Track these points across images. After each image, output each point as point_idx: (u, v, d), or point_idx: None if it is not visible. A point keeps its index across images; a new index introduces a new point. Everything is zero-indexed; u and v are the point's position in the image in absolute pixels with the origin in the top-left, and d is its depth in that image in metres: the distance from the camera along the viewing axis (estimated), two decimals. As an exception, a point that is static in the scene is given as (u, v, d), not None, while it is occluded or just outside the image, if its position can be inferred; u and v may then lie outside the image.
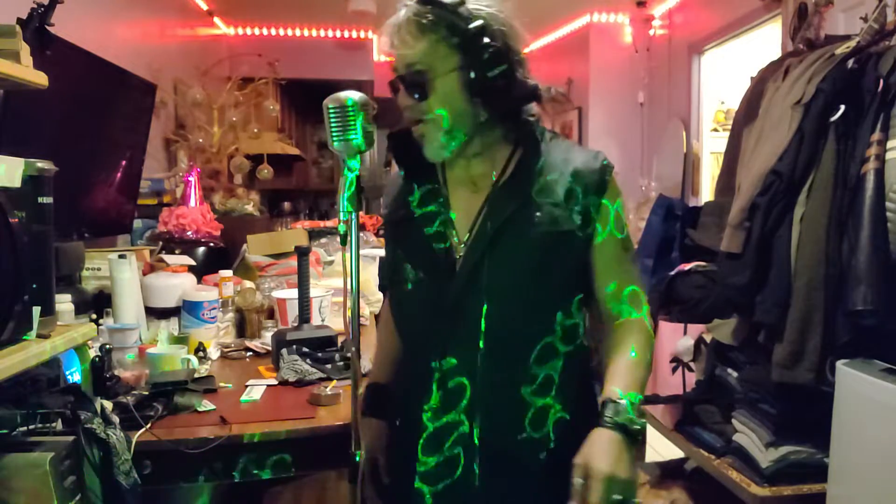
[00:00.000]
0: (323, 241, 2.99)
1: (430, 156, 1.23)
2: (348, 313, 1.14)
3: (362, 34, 5.82)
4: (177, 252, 2.65)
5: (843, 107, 1.75)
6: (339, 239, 1.12)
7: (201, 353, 1.86)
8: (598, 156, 1.25)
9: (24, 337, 1.09)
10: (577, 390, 1.24)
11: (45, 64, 1.34)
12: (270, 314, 2.32)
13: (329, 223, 3.41)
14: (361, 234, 2.65)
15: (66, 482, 1.10)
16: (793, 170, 1.81)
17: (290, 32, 5.73)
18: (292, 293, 2.04)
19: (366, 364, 1.77)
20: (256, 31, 5.63)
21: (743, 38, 3.95)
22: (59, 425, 1.17)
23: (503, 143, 1.25)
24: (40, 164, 1.16)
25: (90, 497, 1.15)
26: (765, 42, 3.72)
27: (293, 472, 1.47)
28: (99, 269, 2.11)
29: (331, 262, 2.82)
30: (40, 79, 1.29)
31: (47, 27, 1.48)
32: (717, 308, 2.15)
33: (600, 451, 1.08)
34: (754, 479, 1.88)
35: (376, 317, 2.50)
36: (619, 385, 1.15)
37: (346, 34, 5.83)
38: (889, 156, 1.60)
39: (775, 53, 3.17)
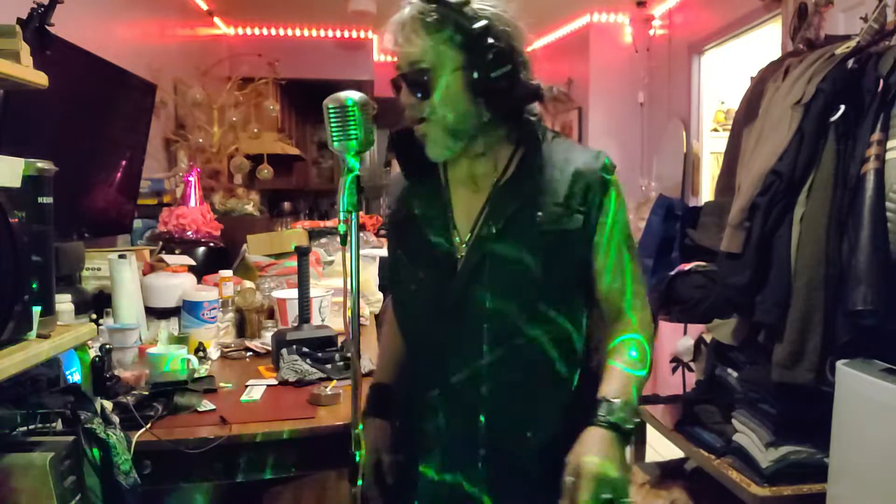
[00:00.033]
0: (323, 241, 2.99)
1: (431, 155, 1.23)
2: (348, 313, 1.14)
3: (362, 34, 5.82)
4: (177, 252, 2.65)
5: (843, 107, 1.75)
6: (339, 239, 1.12)
7: (201, 353, 1.86)
8: (599, 155, 1.25)
9: (24, 337, 1.09)
10: (580, 388, 1.24)
11: (45, 64, 1.33)
12: (270, 314, 2.32)
13: (329, 223, 3.41)
14: (361, 234, 2.65)
15: (66, 482, 1.10)
16: (793, 170, 1.81)
17: (290, 32, 5.73)
18: (292, 293, 2.04)
19: (366, 364, 1.77)
20: (256, 31, 5.63)
21: (743, 38, 3.95)
22: (59, 425, 1.17)
23: (505, 142, 1.25)
24: (40, 164, 1.16)
25: (90, 497, 1.15)
26: (765, 42, 3.71)
27: (293, 472, 1.47)
28: (99, 269, 2.11)
29: (331, 262, 2.82)
30: (40, 79, 1.29)
31: (47, 27, 1.48)
32: (717, 308, 2.15)
33: (591, 449, 1.09)
34: (754, 479, 1.88)
35: (376, 317, 2.50)
36: (614, 385, 1.16)
37: (346, 34, 5.83)
38: (889, 156, 1.60)
39: (775, 53, 3.17)
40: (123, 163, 2.72)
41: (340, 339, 1.89)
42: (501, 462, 1.21)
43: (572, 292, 1.24)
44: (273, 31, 5.68)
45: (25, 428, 1.15)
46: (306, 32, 5.77)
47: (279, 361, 1.76)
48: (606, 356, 1.22)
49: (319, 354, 1.78)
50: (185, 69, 4.07)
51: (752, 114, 2.16)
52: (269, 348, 1.94)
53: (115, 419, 1.29)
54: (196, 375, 1.66)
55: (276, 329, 2.09)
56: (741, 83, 2.64)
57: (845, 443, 1.62)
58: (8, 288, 1.02)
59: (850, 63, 1.78)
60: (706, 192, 4.29)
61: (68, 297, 1.63)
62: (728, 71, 4.24)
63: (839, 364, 1.64)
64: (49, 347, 1.12)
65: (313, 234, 3.04)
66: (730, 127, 2.86)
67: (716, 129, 4.37)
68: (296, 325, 1.92)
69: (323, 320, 2.15)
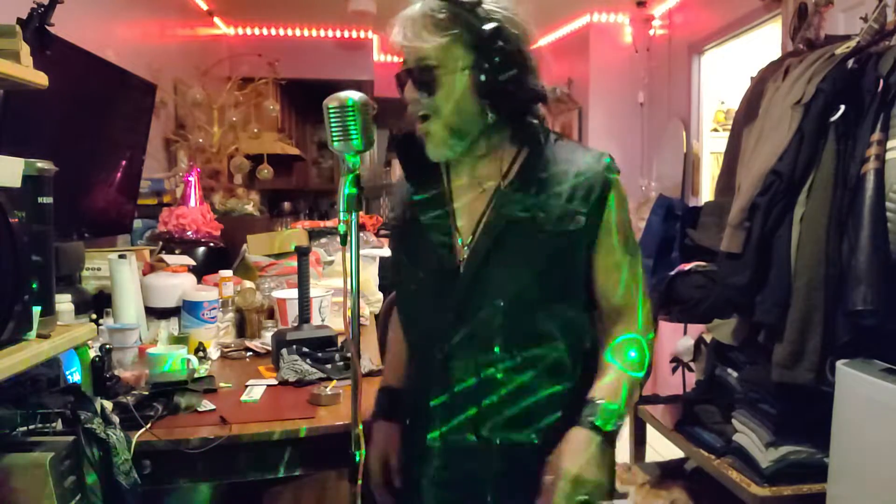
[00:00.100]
0: (323, 241, 2.99)
1: (432, 155, 1.23)
2: (348, 313, 1.14)
3: (362, 34, 5.82)
4: (177, 252, 2.65)
5: (843, 107, 1.75)
6: (339, 239, 1.12)
7: (201, 353, 1.86)
8: (602, 157, 1.24)
9: (24, 337, 1.09)
10: (582, 390, 1.24)
11: (45, 64, 1.33)
12: (270, 314, 2.32)
13: (329, 223, 3.41)
14: (361, 234, 2.65)
15: (66, 482, 1.10)
16: (793, 170, 1.81)
17: (290, 32, 5.73)
18: (292, 293, 2.04)
19: (366, 364, 1.77)
20: (256, 31, 5.63)
21: (743, 38, 3.94)
22: (59, 425, 1.17)
23: (508, 144, 1.25)
24: (40, 164, 1.16)
25: (90, 497, 1.15)
26: (765, 42, 3.71)
27: (293, 472, 1.47)
28: (99, 269, 2.11)
29: (331, 262, 2.82)
30: (40, 79, 1.29)
31: (47, 27, 1.48)
32: (717, 308, 2.15)
33: (572, 450, 1.11)
34: (754, 479, 1.88)
35: (376, 317, 2.50)
36: (605, 387, 1.17)
37: (346, 34, 5.82)
38: (889, 156, 1.60)
39: (775, 53, 3.17)
40: (123, 163, 2.71)
41: (340, 339, 1.89)
42: (504, 462, 1.21)
43: (575, 294, 1.24)
44: (273, 31, 5.68)
45: (25, 428, 1.15)
46: (306, 32, 5.77)
47: (279, 361, 1.76)
48: (605, 354, 1.23)
49: (319, 354, 1.78)
50: (185, 69, 4.07)
51: (752, 114, 2.16)
52: (269, 348, 1.94)
53: (115, 419, 1.29)
54: (196, 375, 1.66)
55: (276, 329, 2.09)
56: (741, 83, 2.64)
57: (845, 443, 1.62)
58: (8, 288, 1.02)
59: (850, 63, 1.78)
60: (706, 192, 4.29)
61: (68, 297, 1.63)
62: (728, 71, 4.23)
63: (839, 364, 1.64)
64: (49, 347, 1.12)
65: (313, 234, 3.04)
66: (730, 127, 2.86)
67: (716, 129, 4.37)
68: (296, 325, 1.92)
69: (323, 320, 2.15)
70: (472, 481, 1.22)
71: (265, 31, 5.65)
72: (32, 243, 1.08)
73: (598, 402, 1.15)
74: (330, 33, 5.81)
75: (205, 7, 4.92)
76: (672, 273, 2.41)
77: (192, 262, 2.46)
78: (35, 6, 1.48)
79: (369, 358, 1.85)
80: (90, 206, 2.50)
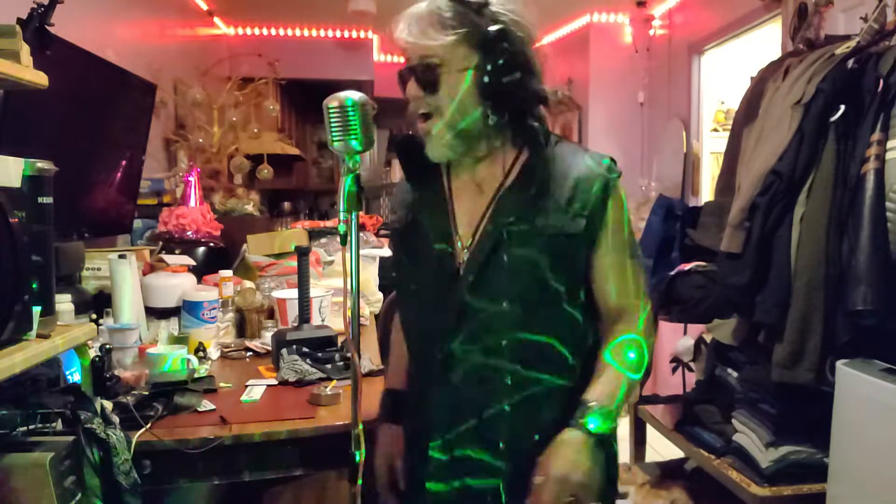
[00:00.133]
0: (323, 241, 2.99)
1: (432, 156, 1.23)
2: (348, 313, 1.14)
3: (362, 34, 5.81)
4: (177, 252, 2.65)
5: (843, 107, 1.75)
6: (339, 239, 1.12)
7: (201, 353, 1.86)
8: (603, 160, 1.24)
9: (24, 337, 1.09)
10: (584, 391, 1.24)
11: (45, 64, 1.33)
12: (270, 314, 2.32)
13: (329, 223, 3.40)
14: (361, 234, 2.65)
15: (66, 482, 1.10)
16: (793, 170, 1.81)
17: (290, 32, 5.73)
18: (292, 293, 2.04)
19: (366, 364, 1.77)
20: (256, 31, 5.63)
21: (743, 38, 3.94)
22: (59, 425, 1.17)
23: (509, 146, 1.25)
24: (40, 164, 1.16)
25: (90, 497, 1.15)
26: (765, 42, 3.71)
27: (293, 472, 1.47)
28: (99, 269, 2.11)
29: (331, 262, 2.82)
30: (40, 79, 1.29)
31: (47, 27, 1.48)
32: (717, 308, 2.15)
33: (561, 451, 1.13)
34: (754, 479, 1.88)
35: (376, 317, 2.50)
36: (599, 389, 1.18)
37: (346, 34, 5.82)
38: (889, 156, 1.60)
39: (775, 53, 3.17)
40: (123, 163, 2.71)
41: (340, 339, 1.89)
42: (506, 462, 1.21)
43: (575, 296, 1.24)
44: (273, 31, 5.68)
45: (25, 428, 1.15)
46: (306, 32, 5.77)
47: (279, 361, 1.76)
48: (604, 353, 1.23)
49: (319, 354, 1.78)
50: (185, 69, 4.07)
51: (752, 114, 2.16)
52: (269, 348, 1.94)
53: (115, 419, 1.29)
54: (196, 375, 1.66)
55: (276, 329, 2.09)
56: (741, 83, 2.64)
57: (845, 443, 1.62)
58: (8, 288, 1.02)
59: (850, 63, 1.78)
60: (706, 192, 4.29)
61: (68, 297, 1.63)
62: (728, 71, 4.23)
63: (839, 364, 1.64)
64: (49, 347, 1.12)
65: (313, 234, 3.04)
66: (730, 127, 2.86)
67: (716, 129, 4.37)
68: (296, 325, 1.92)
69: (323, 320, 2.15)
70: (475, 482, 1.22)
71: (265, 31, 5.65)
72: (32, 243, 1.08)
73: (590, 404, 1.16)
74: (330, 33, 5.81)
75: (205, 7, 4.92)
76: (672, 273, 2.41)
77: (192, 262, 2.46)
78: (35, 6, 1.48)
79: (369, 358, 1.85)
80: (90, 206, 2.50)
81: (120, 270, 1.93)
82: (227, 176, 3.93)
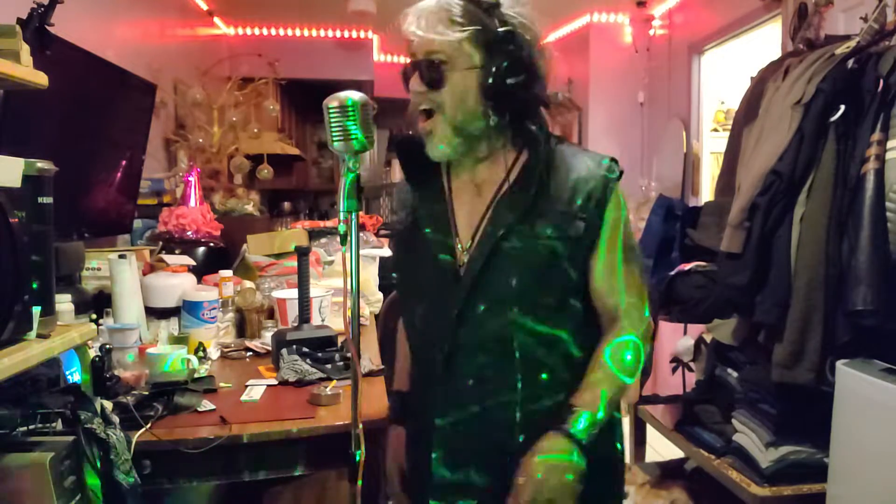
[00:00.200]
0: (323, 241, 2.99)
1: (433, 154, 1.23)
2: (348, 313, 1.14)
3: (362, 34, 5.82)
4: (177, 252, 2.65)
5: (843, 107, 1.75)
6: (339, 239, 1.12)
7: (201, 353, 1.86)
8: (602, 161, 1.24)
9: (24, 337, 1.08)
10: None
11: (45, 64, 1.33)
12: (270, 314, 2.32)
13: (329, 223, 3.40)
14: (361, 234, 2.65)
15: (66, 482, 1.10)
16: (793, 170, 1.81)
17: (290, 32, 5.73)
18: (292, 293, 2.04)
19: (366, 364, 1.77)
20: (256, 31, 5.63)
21: (743, 38, 3.95)
22: (59, 425, 1.17)
23: (509, 147, 1.25)
24: (40, 164, 1.16)
25: (90, 497, 1.15)
26: (765, 42, 3.71)
27: (293, 472, 1.47)
28: (99, 269, 2.11)
29: (331, 262, 2.82)
30: (40, 79, 1.29)
31: (47, 27, 1.48)
32: (717, 308, 2.15)
33: (542, 454, 1.13)
34: (754, 479, 1.88)
35: (376, 316, 2.51)
36: (587, 393, 1.18)
37: (346, 34, 5.82)
38: (889, 156, 1.60)
39: (775, 53, 3.17)
40: (123, 163, 2.71)
41: (340, 339, 1.89)
42: (508, 463, 1.21)
43: (575, 297, 1.24)
44: (273, 31, 5.68)
45: (25, 428, 1.15)
46: (306, 32, 5.77)
47: (279, 361, 1.76)
48: (599, 355, 1.22)
49: (319, 354, 1.78)
50: (185, 69, 4.07)
51: (752, 114, 2.16)
52: (269, 348, 1.94)
53: (115, 419, 1.28)
54: (196, 375, 1.66)
55: (276, 329, 2.09)
56: (741, 83, 2.64)
57: (845, 443, 1.62)
58: (8, 288, 1.02)
59: (850, 63, 1.78)
60: (706, 192, 4.29)
61: (68, 297, 1.63)
62: (728, 71, 4.24)
63: (839, 364, 1.64)
64: (49, 347, 1.12)
65: (313, 234, 3.04)
66: (730, 127, 2.86)
67: (716, 129, 4.37)
68: (296, 325, 1.92)
69: (323, 320, 2.15)
70: (476, 482, 1.22)
71: (265, 31, 5.65)
72: (32, 243, 1.08)
73: (575, 409, 1.16)
74: (330, 33, 5.81)
75: (205, 7, 4.92)
76: (672, 273, 2.41)
77: (192, 262, 2.46)
78: (35, 6, 1.48)
79: (369, 358, 1.85)
80: (90, 206, 2.50)
81: (120, 270, 1.93)
82: (227, 176, 3.94)
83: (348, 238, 1.12)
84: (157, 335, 1.97)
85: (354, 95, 1.12)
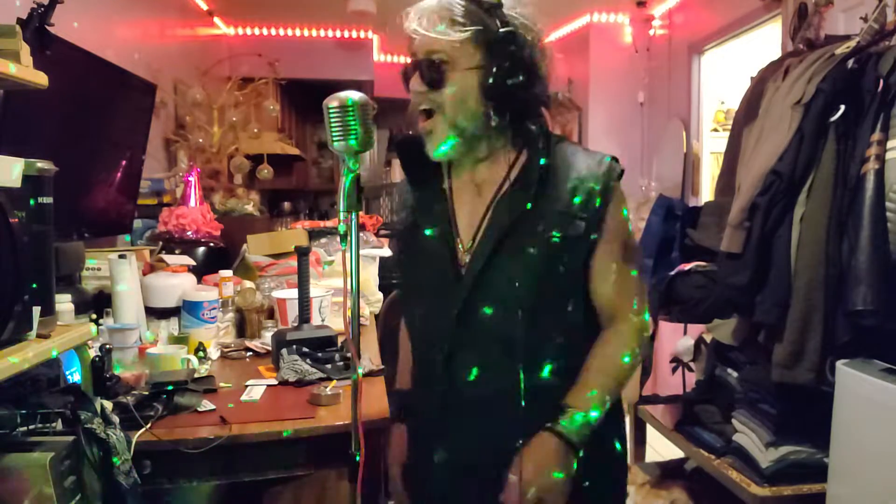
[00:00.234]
0: (323, 241, 2.99)
1: (433, 154, 1.23)
2: (348, 313, 1.14)
3: (362, 34, 5.81)
4: (177, 252, 2.65)
5: (843, 107, 1.75)
6: (339, 239, 1.12)
7: (201, 353, 1.86)
8: (603, 160, 1.24)
9: (24, 337, 1.09)
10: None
11: (45, 64, 1.33)
12: (270, 314, 2.32)
13: (329, 223, 3.40)
14: (361, 234, 2.64)
15: (66, 482, 1.09)
16: (793, 170, 1.81)
17: (290, 32, 5.73)
18: (292, 293, 2.04)
19: (366, 364, 1.77)
20: (256, 31, 5.63)
21: (743, 38, 3.95)
22: (59, 425, 1.17)
23: (510, 147, 1.25)
24: (40, 164, 1.16)
25: (90, 497, 1.15)
26: (765, 42, 3.71)
27: (293, 472, 1.47)
28: (99, 269, 2.11)
29: (331, 262, 2.82)
30: (40, 79, 1.29)
31: (47, 27, 1.48)
32: (717, 308, 2.15)
33: (531, 453, 1.14)
34: (754, 479, 1.88)
35: (376, 316, 2.51)
36: (579, 395, 1.18)
37: (346, 34, 5.82)
38: (889, 156, 1.60)
39: (775, 53, 3.17)
40: (123, 163, 2.71)
41: (340, 339, 1.89)
42: (508, 460, 1.21)
43: (575, 298, 1.24)
44: (273, 31, 5.68)
45: (25, 428, 1.15)
46: (306, 32, 5.77)
47: (279, 361, 1.76)
48: (595, 355, 1.22)
49: (319, 354, 1.78)
50: (185, 69, 4.07)
51: (752, 114, 2.15)
52: (269, 348, 1.94)
53: (115, 419, 1.28)
54: (196, 375, 1.66)
55: (276, 329, 2.09)
56: (741, 83, 2.64)
57: (845, 443, 1.62)
58: (8, 288, 1.02)
59: (850, 63, 1.78)
60: (706, 192, 4.29)
61: (68, 297, 1.63)
62: (728, 71, 4.24)
63: (839, 364, 1.64)
64: (49, 347, 1.12)
65: (313, 234, 3.03)
66: (730, 127, 2.86)
67: (716, 129, 4.37)
68: (296, 325, 1.92)
69: (323, 320, 2.15)
70: (477, 481, 1.22)
71: (265, 31, 5.65)
72: (32, 243, 1.08)
73: (568, 409, 1.16)
74: (330, 33, 5.81)
75: (205, 7, 4.92)
76: (672, 273, 2.41)
77: (192, 262, 2.46)
78: (35, 6, 1.48)
79: (369, 358, 1.85)
80: (90, 206, 2.50)
81: (120, 270, 1.93)
82: (227, 176, 3.94)
83: (348, 238, 1.12)
84: (157, 335, 1.97)
85: (354, 95, 1.12)
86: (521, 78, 1.15)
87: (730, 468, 1.98)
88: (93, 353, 1.37)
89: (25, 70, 1.24)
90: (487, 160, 1.25)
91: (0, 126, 1.74)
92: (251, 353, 2.02)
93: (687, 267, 2.38)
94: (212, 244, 2.86)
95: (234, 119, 3.88)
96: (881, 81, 1.67)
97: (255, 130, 4.05)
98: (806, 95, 1.84)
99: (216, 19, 5.26)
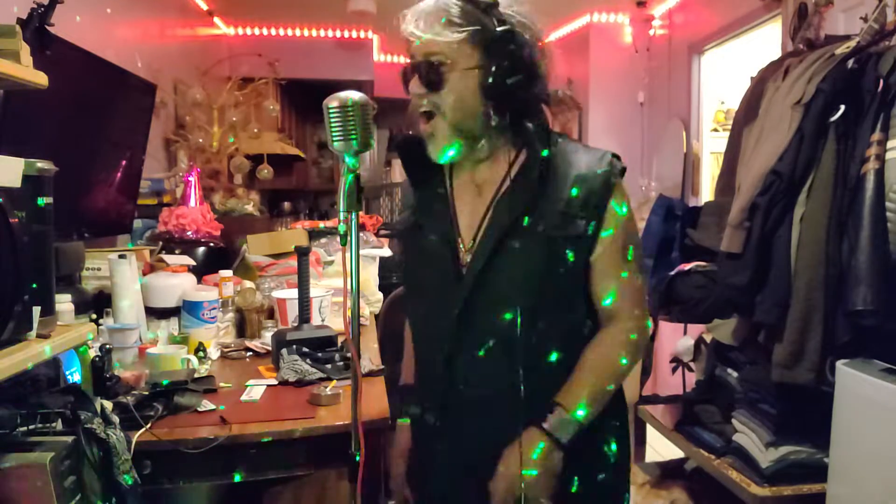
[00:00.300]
0: (323, 241, 2.99)
1: (434, 156, 1.23)
2: (348, 313, 1.14)
3: (362, 34, 5.81)
4: (177, 252, 2.65)
5: (843, 107, 1.75)
6: (339, 239, 1.12)
7: (201, 353, 1.86)
8: (604, 158, 1.23)
9: (24, 337, 1.09)
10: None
11: (45, 64, 1.33)
12: (270, 314, 2.32)
13: (329, 223, 3.40)
14: (361, 234, 2.64)
15: (66, 482, 1.09)
16: (793, 170, 1.81)
17: (290, 32, 5.72)
18: (292, 293, 2.04)
19: (366, 364, 1.77)
20: (256, 31, 5.63)
21: (743, 38, 3.95)
22: (59, 425, 1.17)
23: (510, 146, 1.25)
24: (40, 164, 1.16)
25: (90, 497, 1.15)
26: (765, 42, 3.71)
27: (293, 472, 1.47)
28: (99, 269, 2.11)
29: (331, 262, 2.82)
30: (40, 79, 1.29)
31: (47, 27, 1.48)
32: (717, 308, 2.15)
33: (517, 448, 1.15)
34: (754, 479, 1.88)
35: (376, 317, 2.51)
36: (569, 394, 1.18)
37: (346, 34, 5.82)
38: (889, 156, 1.60)
39: (775, 53, 3.17)
40: (123, 163, 2.72)
41: (340, 339, 1.89)
42: None
43: (576, 297, 1.24)
44: (273, 31, 5.68)
45: (25, 428, 1.15)
46: (306, 32, 5.77)
47: (279, 361, 1.76)
48: (590, 354, 1.22)
49: (319, 354, 1.78)
50: (185, 69, 4.07)
51: (752, 114, 2.15)
52: (269, 348, 1.94)
53: (115, 419, 1.28)
54: (196, 375, 1.66)
55: (276, 329, 2.09)
56: (741, 83, 2.64)
57: (845, 443, 1.62)
58: (8, 288, 1.02)
59: (850, 63, 1.78)
60: (706, 192, 4.29)
61: (68, 297, 1.63)
62: (728, 71, 4.24)
63: (839, 364, 1.64)
64: (49, 347, 1.12)
65: (313, 234, 3.03)
66: (730, 127, 2.85)
67: (716, 129, 4.37)
68: (296, 325, 1.92)
69: (323, 320, 2.15)
70: (478, 480, 1.22)
71: (265, 31, 5.65)
72: (32, 243, 1.08)
73: (557, 408, 1.17)
74: (330, 33, 5.81)
75: (205, 7, 4.92)
76: (672, 273, 2.41)
77: (192, 262, 2.46)
78: (35, 6, 1.48)
79: (369, 358, 1.85)
80: (90, 206, 2.50)
81: (120, 270, 1.93)
82: (227, 176, 3.94)
83: (348, 238, 1.12)
84: (157, 335, 1.97)
85: (354, 95, 1.12)
86: (520, 76, 1.15)
87: (730, 468, 1.98)
88: (93, 353, 1.37)
89: (25, 70, 1.24)
90: (488, 160, 1.25)
91: (0, 126, 1.74)
92: (251, 353, 2.02)
93: (687, 267, 2.38)
94: (212, 244, 2.86)
95: (234, 119, 3.88)
96: (881, 81, 1.67)
97: (255, 130, 4.05)
98: (806, 95, 1.84)
99: (216, 19, 5.26)
